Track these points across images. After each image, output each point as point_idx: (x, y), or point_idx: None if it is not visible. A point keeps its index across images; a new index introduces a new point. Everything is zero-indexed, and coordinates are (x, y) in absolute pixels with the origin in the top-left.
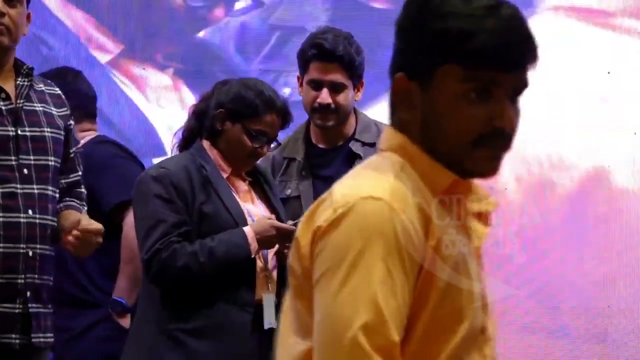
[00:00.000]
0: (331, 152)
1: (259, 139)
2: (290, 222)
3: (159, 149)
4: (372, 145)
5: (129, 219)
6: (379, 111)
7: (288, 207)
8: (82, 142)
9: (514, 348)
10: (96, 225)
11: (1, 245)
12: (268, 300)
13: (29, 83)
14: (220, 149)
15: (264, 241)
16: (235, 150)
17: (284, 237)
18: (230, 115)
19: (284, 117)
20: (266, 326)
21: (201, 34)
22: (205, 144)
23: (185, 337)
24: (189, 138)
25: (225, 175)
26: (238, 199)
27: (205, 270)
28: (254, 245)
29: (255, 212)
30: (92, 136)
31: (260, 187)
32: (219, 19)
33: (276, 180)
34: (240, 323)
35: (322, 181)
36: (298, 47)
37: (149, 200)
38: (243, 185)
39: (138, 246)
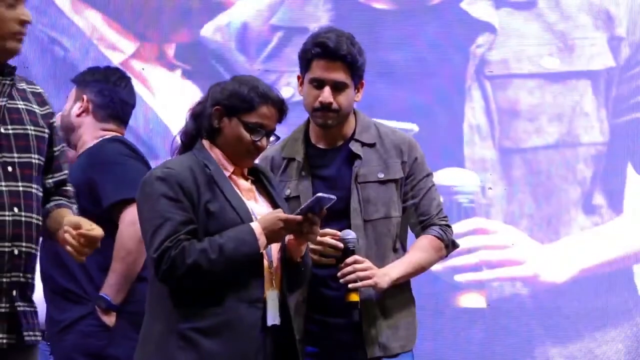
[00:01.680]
0: (331, 152)
1: (257, 132)
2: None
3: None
4: (372, 145)
5: (126, 217)
6: (378, 111)
7: (287, 208)
8: (97, 140)
9: None
10: (97, 232)
11: None
12: (272, 297)
13: (11, 82)
14: (221, 147)
15: (272, 235)
16: (236, 145)
17: (291, 228)
18: (227, 111)
19: (280, 108)
20: (269, 323)
21: (206, 35)
22: (206, 143)
23: (196, 335)
24: (187, 142)
25: (227, 174)
26: (242, 197)
27: (215, 267)
28: (262, 240)
29: (258, 210)
30: (109, 136)
31: (262, 185)
32: (232, 2)
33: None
34: (249, 319)
35: (322, 181)
36: (300, 48)
37: (155, 200)
38: (246, 184)
39: (145, 245)
